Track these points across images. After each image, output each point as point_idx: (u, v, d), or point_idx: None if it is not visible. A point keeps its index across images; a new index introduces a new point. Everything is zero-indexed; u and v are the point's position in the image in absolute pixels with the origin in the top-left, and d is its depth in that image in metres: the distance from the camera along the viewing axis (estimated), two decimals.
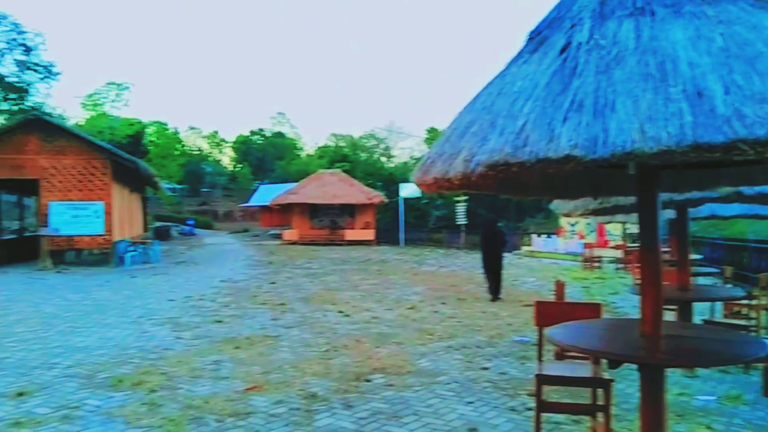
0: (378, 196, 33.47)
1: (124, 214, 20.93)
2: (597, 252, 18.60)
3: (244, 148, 70.78)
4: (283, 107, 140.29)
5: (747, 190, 5.11)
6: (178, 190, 57.91)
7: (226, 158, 76.16)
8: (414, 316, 9.64)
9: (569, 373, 4.21)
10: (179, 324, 8.89)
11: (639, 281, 3.21)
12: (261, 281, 14.77)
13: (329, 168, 39.52)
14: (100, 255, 20.13)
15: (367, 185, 35.76)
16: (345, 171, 37.27)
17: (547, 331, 3.36)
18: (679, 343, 3.08)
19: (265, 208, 41.02)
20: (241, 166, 69.33)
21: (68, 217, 18.29)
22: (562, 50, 2.51)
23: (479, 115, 2.64)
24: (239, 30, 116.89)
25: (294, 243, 31.83)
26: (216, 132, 78.63)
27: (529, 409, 4.77)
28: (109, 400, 5.21)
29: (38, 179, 18.20)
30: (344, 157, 45.86)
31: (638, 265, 3.61)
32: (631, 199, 5.15)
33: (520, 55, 2.81)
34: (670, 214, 6.97)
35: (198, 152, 70.89)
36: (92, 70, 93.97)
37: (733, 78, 2.10)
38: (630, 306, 10.19)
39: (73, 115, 45.40)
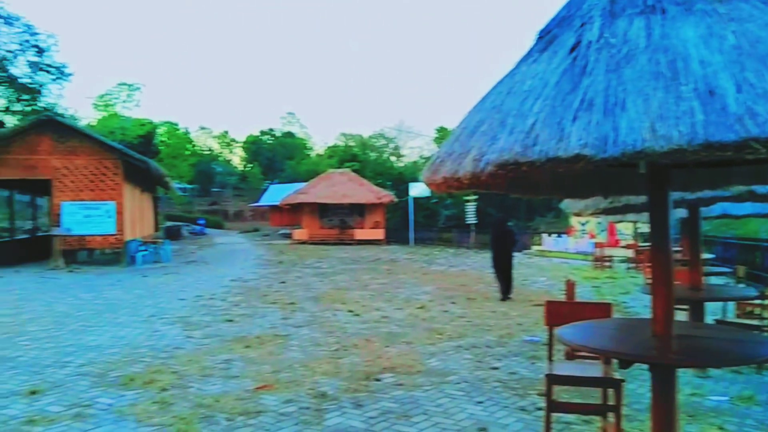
0: (387, 196, 33.46)
1: (135, 214, 21.07)
2: (608, 251, 18.50)
3: (254, 148, 70.99)
4: (293, 107, 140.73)
5: (760, 188, 5.06)
6: (188, 190, 58.19)
7: (237, 158, 76.47)
8: (424, 315, 9.63)
9: (580, 372, 4.19)
10: (190, 323, 8.93)
11: (650, 281, 3.19)
12: (271, 281, 14.81)
13: (339, 168, 39.56)
14: (112, 254, 20.27)
15: (377, 185, 35.77)
16: (354, 171, 37.29)
17: (558, 330, 3.35)
18: (690, 343, 3.06)
19: (275, 208, 41.15)
20: (251, 165, 69.56)
21: (80, 217, 18.44)
22: (572, 49, 2.50)
23: (489, 114, 2.63)
24: (249, 30, 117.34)
25: (304, 242, 31.90)
26: (226, 132, 79.02)
27: (540, 408, 4.75)
28: (121, 399, 5.25)
29: (51, 179, 18.37)
30: (354, 157, 45.89)
31: (649, 264, 3.59)
32: (642, 198, 5.12)
33: (529, 53, 2.80)
34: (681, 213, 6.93)
35: (208, 152, 71.18)
36: (104, 71, 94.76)
37: (746, 76, 2.08)
38: (641, 306, 10.13)
39: (85, 115, 45.81)
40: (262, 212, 51.83)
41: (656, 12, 2.43)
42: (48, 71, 37.60)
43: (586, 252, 20.38)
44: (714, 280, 9.45)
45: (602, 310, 4.32)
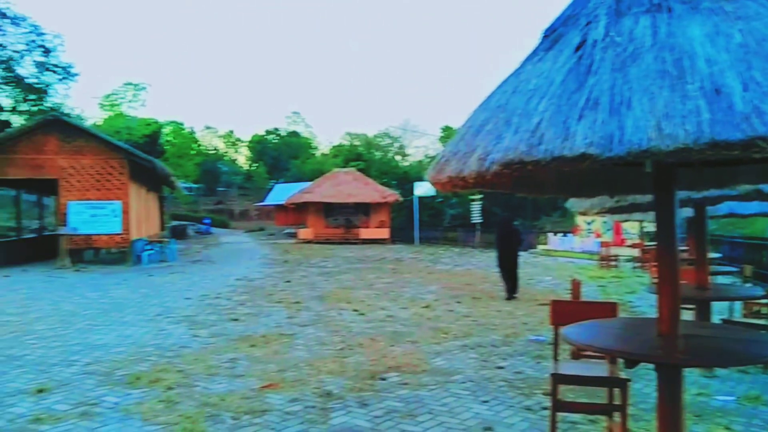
0: (393, 195, 33.45)
1: (141, 213, 21.14)
2: (614, 251, 18.44)
3: (259, 147, 71.09)
4: (298, 106, 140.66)
5: (767, 187, 5.04)
6: (194, 190, 58.30)
7: (242, 157, 76.57)
8: (429, 314, 9.63)
9: (585, 372, 4.18)
10: (196, 322, 8.96)
11: (656, 280, 3.18)
12: (276, 280, 14.84)
13: (344, 167, 39.57)
14: (118, 254, 20.34)
15: (382, 184, 35.75)
16: (360, 170, 37.27)
17: (563, 330, 3.34)
18: (697, 342, 3.05)
19: (280, 207, 41.14)
20: (256, 165, 69.63)
21: (86, 216, 18.52)
22: (578, 48, 2.49)
23: (494, 113, 2.63)
24: (255, 30, 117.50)
25: (309, 242, 31.93)
26: (232, 131, 79.24)
27: (545, 408, 4.75)
28: (127, 397, 5.27)
29: (57, 179, 18.45)
30: (359, 156, 45.89)
31: (655, 263, 3.58)
32: (648, 197, 5.10)
33: (535, 52, 2.79)
34: (688, 212, 6.90)
35: (214, 152, 71.30)
36: (110, 70, 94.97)
37: (752, 74, 2.07)
38: (647, 305, 10.09)
39: (91, 115, 45.95)
40: (268, 211, 51.85)
41: (662, 10, 2.42)
42: (54, 71, 37.77)
43: (592, 251, 20.33)
44: (721, 279, 9.41)
45: (608, 309, 4.31)
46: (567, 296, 8.37)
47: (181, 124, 59.43)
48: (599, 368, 4.18)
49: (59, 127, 18.70)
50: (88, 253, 20.10)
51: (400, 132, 60.16)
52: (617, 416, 3.85)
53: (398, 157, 56.93)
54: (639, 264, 16.94)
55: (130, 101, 44.96)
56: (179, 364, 6.44)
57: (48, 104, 37.16)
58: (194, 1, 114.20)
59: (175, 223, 37.76)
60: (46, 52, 37.00)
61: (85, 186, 18.56)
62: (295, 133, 74.57)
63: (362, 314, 9.65)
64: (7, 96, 37.74)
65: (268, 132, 73.72)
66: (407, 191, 34.29)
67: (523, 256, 15.78)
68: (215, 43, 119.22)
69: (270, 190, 50.23)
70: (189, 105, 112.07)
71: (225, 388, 5.52)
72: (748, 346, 2.99)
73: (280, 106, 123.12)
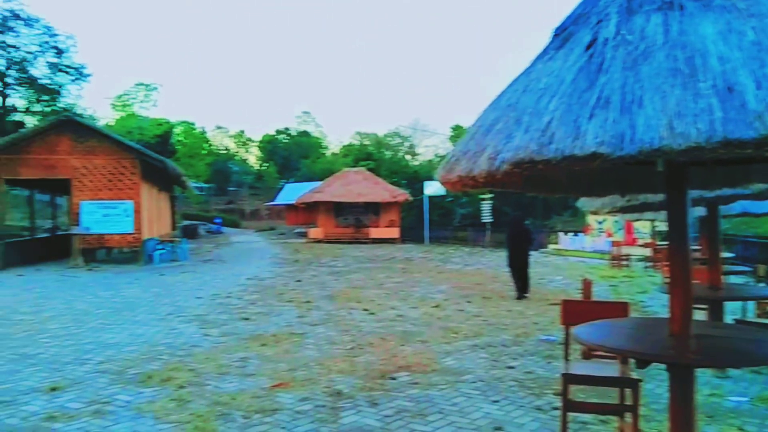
0: (403, 194, 33.43)
1: (152, 213, 21.27)
2: (625, 250, 18.31)
3: (270, 147, 71.30)
4: (309, 106, 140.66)
5: None
6: (205, 189, 58.58)
7: (253, 157, 76.81)
8: (439, 314, 9.62)
9: (596, 372, 4.16)
10: (207, 321, 9.01)
11: (668, 280, 3.16)
12: (287, 279, 14.88)
13: (354, 166, 39.59)
14: (130, 253, 20.48)
15: (392, 183, 35.74)
16: (370, 169, 37.29)
17: (574, 330, 3.33)
18: (709, 342, 3.03)
19: (290, 207, 41.26)
20: (267, 165, 69.83)
21: (99, 216, 18.66)
22: (588, 46, 2.48)
23: (504, 112, 2.62)
24: (265, 30, 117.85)
25: (319, 241, 31.99)
26: (242, 131, 79.34)
27: (556, 408, 4.73)
28: (139, 396, 5.31)
29: (70, 179, 18.60)
30: (369, 156, 45.90)
31: (667, 263, 3.55)
32: (660, 197, 5.07)
33: (545, 51, 2.78)
34: (700, 211, 6.85)
35: (225, 151, 71.59)
36: (122, 71, 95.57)
37: (765, 72, 2.05)
38: (659, 305, 10.03)
39: (104, 115, 46.39)
40: (278, 211, 52.02)
41: (674, 8, 2.40)
42: (67, 72, 38.14)
43: (603, 251, 20.19)
44: (733, 279, 9.32)
45: (619, 309, 4.28)
46: (578, 296, 8.34)
47: (192, 124, 59.75)
48: (610, 368, 4.16)
49: (72, 127, 18.86)
50: (101, 253, 20.26)
51: (410, 131, 60.17)
52: (628, 417, 3.82)
53: (408, 157, 56.89)
54: (651, 263, 16.81)
55: (141, 101, 45.28)
56: (190, 363, 6.48)
57: (61, 105, 37.53)
58: (205, 1, 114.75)
59: (186, 222, 37.96)
60: (59, 53, 37.35)
61: (97, 186, 18.70)
62: (305, 133, 74.72)
63: (372, 314, 9.65)
64: (20, 97, 38.16)
65: (279, 132, 73.93)
66: (417, 191, 34.27)
67: (534, 256, 15.72)
68: (226, 43, 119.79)
69: (280, 189, 50.38)
70: (200, 105, 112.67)
71: (236, 387, 5.55)
72: (761, 347, 2.97)
73: (291, 106, 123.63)
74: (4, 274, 15.97)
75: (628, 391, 3.88)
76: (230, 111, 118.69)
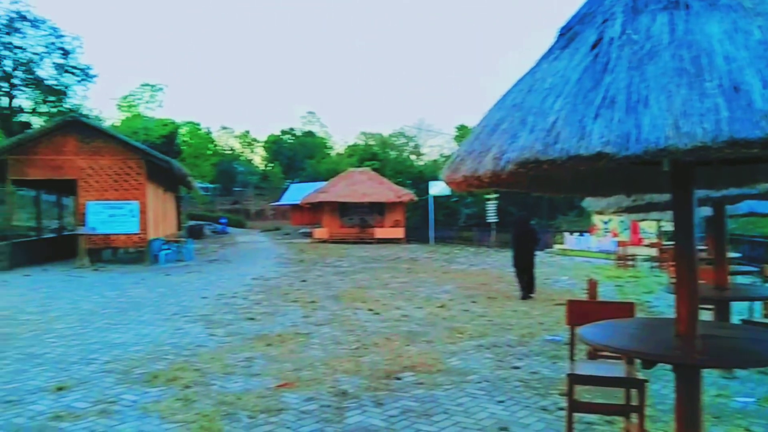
0: (407, 195, 33.41)
1: (158, 213, 21.33)
2: (631, 250, 18.26)
3: (275, 147, 71.41)
4: (314, 107, 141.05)
5: None
6: (210, 189, 58.71)
7: (258, 157, 76.95)
8: (444, 314, 9.62)
9: (602, 372, 4.15)
10: (212, 321, 9.03)
11: (674, 280, 3.15)
12: (292, 279, 14.90)
13: (359, 166, 39.60)
14: (136, 253, 20.55)
15: (397, 183, 35.73)
16: (374, 169, 37.29)
17: (580, 330, 3.32)
18: (715, 343, 3.01)
19: (295, 207, 41.35)
20: (272, 165, 69.96)
21: (105, 216, 18.74)
22: (594, 46, 2.48)
23: (509, 112, 2.62)
24: (270, 30, 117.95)
25: (324, 241, 32.00)
26: (247, 132, 79.59)
27: (561, 408, 4.72)
28: (145, 395, 5.33)
29: (76, 179, 18.67)
30: (374, 156, 45.90)
31: (673, 263, 3.54)
32: (665, 197, 5.05)
33: (550, 51, 2.78)
34: (706, 211, 6.81)
35: (230, 152, 71.75)
36: (127, 72, 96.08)
37: None
38: (665, 305, 9.99)
39: (109, 116, 46.58)
40: (283, 211, 52.13)
41: (680, 7, 2.39)
42: (73, 73, 38.30)
43: (609, 251, 20.15)
44: (740, 279, 9.29)
45: (625, 309, 4.27)
46: (583, 296, 8.32)
47: (198, 125, 59.93)
48: (616, 369, 4.15)
49: (78, 128, 18.94)
50: (107, 253, 20.33)
51: (415, 131, 60.21)
52: (634, 417, 3.81)
53: (413, 157, 56.92)
54: (657, 264, 16.75)
55: (147, 102, 45.48)
56: (196, 362, 6.50)
57: (67, 106, 37.68)
58: (210, 2, 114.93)
59: (191, 222, 38.03)
60: (65, 54, 37.52)
61: (103, 186, 18.78)
62: (310, 133, 74.82)
63: (377, 314, 9.65)
64: (27, 98, 38.34)
65: (284, 132, 74.04)
66: (422, 191, 34.22)
67: (540, 256, 15.68)
68: (231, 44, 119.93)
69: (285, 189, 50.48)
70: (205, 106, 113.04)
71: (241, 387, 5.56)
72: None
73: (296, 106, 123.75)
74: (11, 274, 16.05)
75: (633, 392, 3.87)
76: (235, 111, 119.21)
